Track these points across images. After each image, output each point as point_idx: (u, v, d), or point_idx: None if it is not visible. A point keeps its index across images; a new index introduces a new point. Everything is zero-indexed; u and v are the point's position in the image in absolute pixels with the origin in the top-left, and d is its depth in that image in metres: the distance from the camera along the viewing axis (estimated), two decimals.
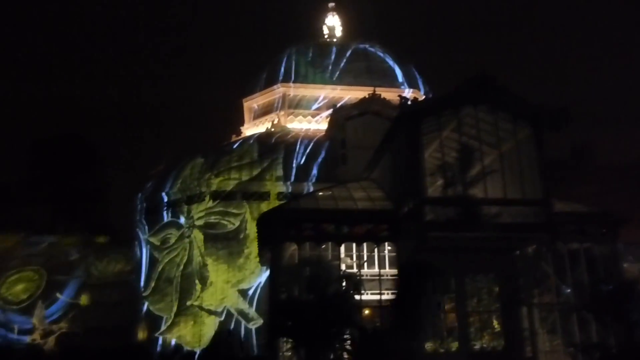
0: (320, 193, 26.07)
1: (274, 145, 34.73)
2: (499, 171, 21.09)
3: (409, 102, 22.98)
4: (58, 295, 37.51)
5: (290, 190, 32.18)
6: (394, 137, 23.45)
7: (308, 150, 34.57)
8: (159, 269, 32.77)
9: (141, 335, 33.72)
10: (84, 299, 37.54)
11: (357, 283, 24.16)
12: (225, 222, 31.84)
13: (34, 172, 61.62)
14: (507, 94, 21.46)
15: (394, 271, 22.27)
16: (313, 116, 41.20)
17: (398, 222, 22.34)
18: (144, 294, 33.28)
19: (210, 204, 32.24)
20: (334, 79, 41.92)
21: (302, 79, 42.24)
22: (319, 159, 34.09)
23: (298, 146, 34.68)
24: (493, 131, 21.58)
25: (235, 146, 35.27)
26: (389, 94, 32.90)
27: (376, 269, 23.06)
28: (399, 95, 24.58)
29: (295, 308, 25.20)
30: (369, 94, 33.53)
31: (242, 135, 40.65)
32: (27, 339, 35.80)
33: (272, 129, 38.91)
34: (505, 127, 21.58)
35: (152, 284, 32.82)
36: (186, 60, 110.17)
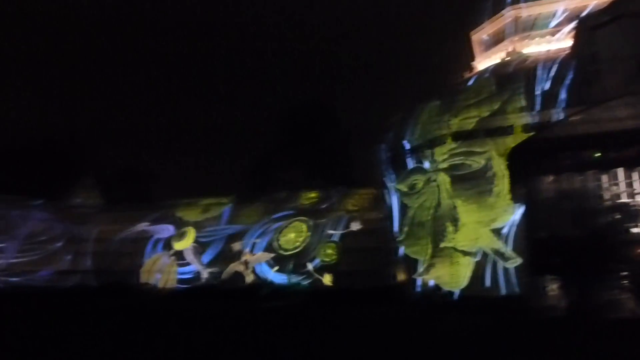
0: (575, 117, 23.46)
1: (512, 75, 32.30)
2: None
3: None
4: (330, 232, 42.17)
5: (537, 120, 29.76)
6: None
7: (552, 74, 31.24)
8: (410, 214, 33.87)
9: (399, 277, 35.64)
10: (354, 226, 41.76)
11: (631, 214, 21.51)
12: (470, 162, 31.15)
13: (285, 137, 69.01)
14: None
15: None
16: (552, 35, 36.94)
17: None
18: (399, 239, 34.90)
19: (453, 145, 31.81)
20: None
21: None
22: (567, 81, 30.58)
23: (540, 71, 31.59)
24: None
25: (469, 83, 33.82)
26: None
27: None
28: None
29: (559, 245, 23.66)
30: None
31: (475, 71, 38.82)
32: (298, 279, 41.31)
33: (507, 58, 36.21)
34: None
35: (406, 229, 34.15)
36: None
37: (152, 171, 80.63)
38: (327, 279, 40.98)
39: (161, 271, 46.85)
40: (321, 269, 41.62)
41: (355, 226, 42.03)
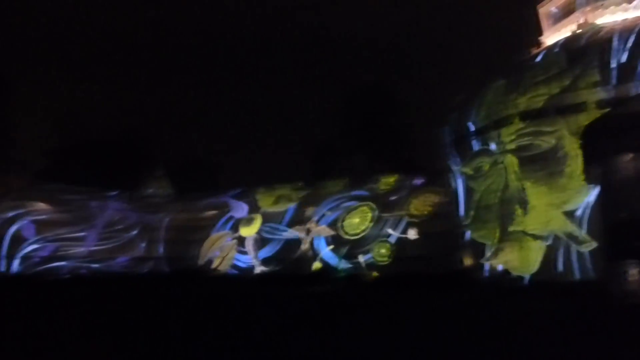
0: None
1: (585, 48, 30.48)
2: None
3: None
4: (389, 231, 41.72)
5: (613, 95, 27.97)
6: None
7: (629, 45, 29.23)
8: (476, 197, 32.94)
9: (466, 262, 34.81)
10: (411, 234, 40.79)
11: None
12: (539, 142, 29.81)
13: (348, 122, 68.77)
14: None
15: None
16: (629, 2, 34.53)
17: None
18: (465, 223, 34.06)
19: (520, 125, 30.53)
20: None
21: None
22: None
23: (615, 42, 29.60)
24: None
25: (538, 59, 32.23)
26: None
27: None
28: None
29: None
30: None
31: (544, 46, 36.93)
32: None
33: (579, 30, 34.16)
34: None
35: (472, 213, 33.27)
36: None
37: (220, 161, 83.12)
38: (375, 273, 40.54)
39: (221, 250, 48.27)
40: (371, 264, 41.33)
41: (412, 234, 41.02)
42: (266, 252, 47.23)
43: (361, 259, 41.83)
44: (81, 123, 75.54)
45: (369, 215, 43.42)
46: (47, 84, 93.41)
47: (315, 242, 44.31)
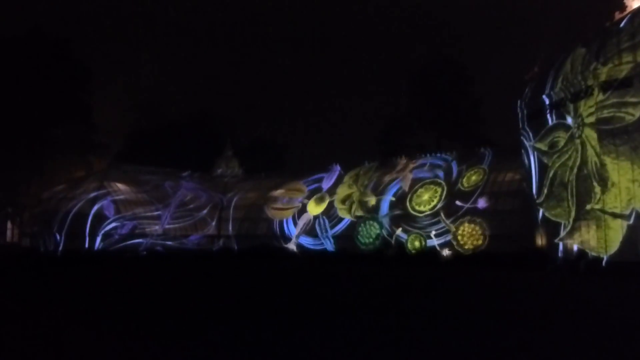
0: None
1: None
2: None
3: None
4: (458, 203, 40.76)
5: None
6: None
7: None
8: (551, 174, 31.36)
9: (539, 241, 33.42)
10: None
11: None
12: (622, 115, 27.79)
13: (416, 100, 67.35)
14: None
15: None
16: None
17: None
18: (538, 201, 32.59)
19: (601, 96, 28.57)
20: None
21: None
22: None
23: None
24: None
25: (622, 24, 29.88)
26: None
27: None
28: None
29: None
30: None
31: (629, 10, 34.18)
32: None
33: None
34: None
35: (545, 190, 31.73)
36: None
37: (286, 141, 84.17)
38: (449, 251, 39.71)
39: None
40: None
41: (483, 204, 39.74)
42: (307, 240, 48.46)
43: (433, 237, 41.03)
44: (155, 106, 78.81)
45: (439, 189, 42.56)
46: (125, 68, 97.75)
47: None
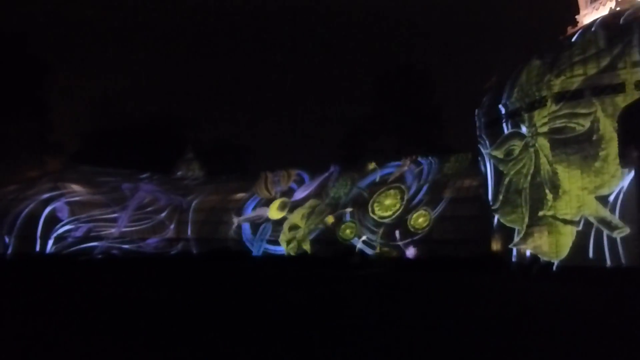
0: None
1: (624, 26, 29.19)
2: None
3: None
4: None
5: None
6: None
7: None
8: (506, 181, 32.23)
9: (495, 246, 34.28)
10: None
11: None
12: (573, 125, 28.83)
13: (379, 105, 68.07)
14: None
15: None
16: None
17: None
18: (494, 207, 33.43)
19: (554, 107, 29.55)
20: None
21: None
22: None
23: None
24: None
25: (574, 38, 31.04)
26: None
27: None
28: None
29: None
30: None
31: (580, 25, 35.57)
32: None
33: (618, 8, 32.73)
34: None
35: (501, 197, 32.60)
36: None
37: (249, 143, 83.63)
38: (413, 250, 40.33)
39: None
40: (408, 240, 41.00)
41: (448, 195, 40.77)
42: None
43: (397, 235, 41.46)
44: (114, 106, 76.99)
45: (399, 194, 43.09)
46: (82, 66, 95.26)
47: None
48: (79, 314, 16.26)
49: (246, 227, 49.11)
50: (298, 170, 51.17)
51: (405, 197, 42.73)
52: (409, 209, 41.87)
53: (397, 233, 41.30)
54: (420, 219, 41.11)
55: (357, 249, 42.68)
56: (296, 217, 46.95)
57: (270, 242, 47.20)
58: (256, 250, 47.06)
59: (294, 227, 46.65)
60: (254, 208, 49.51)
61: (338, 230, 44.25)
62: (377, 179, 45.59)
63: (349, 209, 44.91)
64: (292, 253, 45.29)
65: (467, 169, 40.86)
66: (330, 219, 45.42)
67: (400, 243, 41.08)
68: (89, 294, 21.76)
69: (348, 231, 43.92)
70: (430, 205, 41.10)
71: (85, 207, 47.58)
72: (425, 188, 42.43)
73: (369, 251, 42.35)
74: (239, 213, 49.99)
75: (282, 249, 46.32)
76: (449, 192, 41.02)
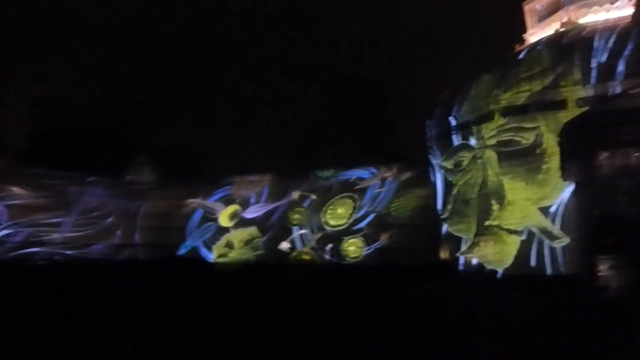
0: (634, 91, 22.04)
1: (567, 47, 30.65)
2: None
3: None
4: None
5: (593, 93, 28.20)
6: None
7: (610, 45, 29.48)
8: (455, 191, 33.05)
9: (443, 255, 35.05)
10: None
11: None
12: (518, 139, 29.95)
13: (333, 113, 68.45)
14: None
15: None
16: (612, 3, 34.79)
17: None
18: (443, 217, 34.19)
19: (501, 121, 30.64)
20: None
21: None
22: (626, 53, 28.81)
23: (597, 42, 29.83)
24: None
25: (521, 56, 32.34)
26: None
27: None
28: None
29: (616, 224, 22.59)
30: None
31: (527, 43, 37.08)
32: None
33: (563, 29, 34.32)
34: None
35: (450, 207, 33.40)
36: None
37: (204, 149, 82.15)
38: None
39: None
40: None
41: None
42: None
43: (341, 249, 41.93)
44: (62, 107, 74.12)
45: (351, 202, 43.50)
46: (28, 66, 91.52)
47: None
48: None
49: (198, 215, 48.69)
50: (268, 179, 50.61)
51: (357, 210, 43.11)
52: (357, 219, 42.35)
53: (328, 247, 42.12)
54: (351, 247, 41.87)
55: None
56: (236, 237, 47.05)
57: (205, 244, 47.39)
58: (190, 243, 46.65)
59: (229, 245, 46.94)
60: (218, 200, 48.68)
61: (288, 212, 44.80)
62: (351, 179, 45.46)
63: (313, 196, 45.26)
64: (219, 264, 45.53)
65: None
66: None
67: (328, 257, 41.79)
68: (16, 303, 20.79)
69: (297, 216, 44.42)
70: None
71: (26, 210, 45.50)
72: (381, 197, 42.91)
73: (299, 245, 43.48)
74: (205, 196, 49.53)
75: (212, 256, 47.06)
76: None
